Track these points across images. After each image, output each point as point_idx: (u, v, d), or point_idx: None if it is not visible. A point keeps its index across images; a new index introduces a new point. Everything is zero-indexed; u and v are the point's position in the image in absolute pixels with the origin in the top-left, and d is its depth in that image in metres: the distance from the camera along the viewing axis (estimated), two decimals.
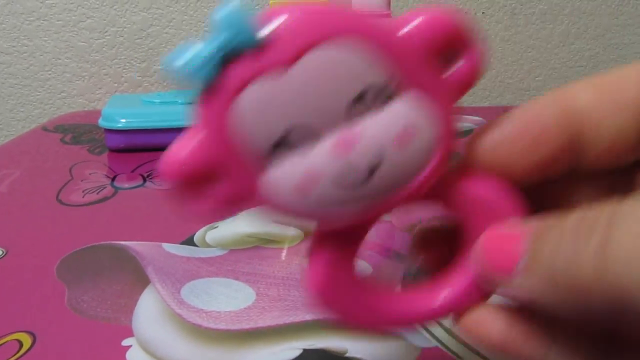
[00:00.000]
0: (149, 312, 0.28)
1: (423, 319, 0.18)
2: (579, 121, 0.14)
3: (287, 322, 0.28)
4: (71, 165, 0.51)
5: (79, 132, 0.62)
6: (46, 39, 0.72)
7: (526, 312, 0.15)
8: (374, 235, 0.37)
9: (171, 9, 0.72)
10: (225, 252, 0.35)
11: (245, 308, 0.29)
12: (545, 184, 0.16)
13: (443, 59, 0.14)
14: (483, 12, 0.77)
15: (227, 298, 0.30)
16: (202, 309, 0.29)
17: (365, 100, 0.14)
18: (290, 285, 0.31)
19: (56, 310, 0.29)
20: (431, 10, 0.14)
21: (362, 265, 0.33)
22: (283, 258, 0.35)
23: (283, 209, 0.15)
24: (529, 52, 0.80)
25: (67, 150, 0.55)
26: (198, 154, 0.14)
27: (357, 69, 0.13)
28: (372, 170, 0.14)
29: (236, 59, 0.13)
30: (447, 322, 0.27)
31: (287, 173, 0.14)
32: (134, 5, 0.72)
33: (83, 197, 0.43)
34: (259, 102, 0.13)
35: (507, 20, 0.78)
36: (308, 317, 0.28)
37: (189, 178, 0.14)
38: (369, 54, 0.13)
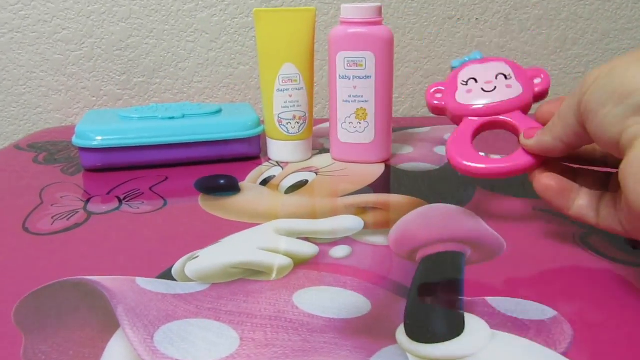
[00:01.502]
0: None
1: (509, 173, 0.36)
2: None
3: None
4: (42, 187, 0.47)
5: (53, 150, 0.58)
6: (20, 52, 0.68)
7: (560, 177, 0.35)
8: (370, 264, 0.33)
9: (151, 18, 0.69)
10: (206, 286, 0.31)
11: (227, 357, 0.25)
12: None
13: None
14: (477, 18, 0.75)
15: (207, 344, 0.26)
16: None
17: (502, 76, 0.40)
18: (279, 327, 0.27)
19: None
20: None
21: (358, 299, 0.30)
22: (274, 277, 0.32)
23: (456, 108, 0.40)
24: (525, 59, 0.77)
25: (39, 171, 0.51)
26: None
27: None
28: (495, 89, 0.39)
29: None
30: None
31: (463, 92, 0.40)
32: (112, 16, 0.68)
33: (52, 224, 0.40)
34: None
35: (502, 27, 0.75)
36: None
37: None
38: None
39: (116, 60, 0.70)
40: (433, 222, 0.39)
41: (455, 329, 0.27)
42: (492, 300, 0.29)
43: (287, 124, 0.52)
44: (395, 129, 0.64)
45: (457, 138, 0.37)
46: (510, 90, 0.38)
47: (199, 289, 0.31)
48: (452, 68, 0.42)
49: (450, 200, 0.43)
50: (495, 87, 0.38)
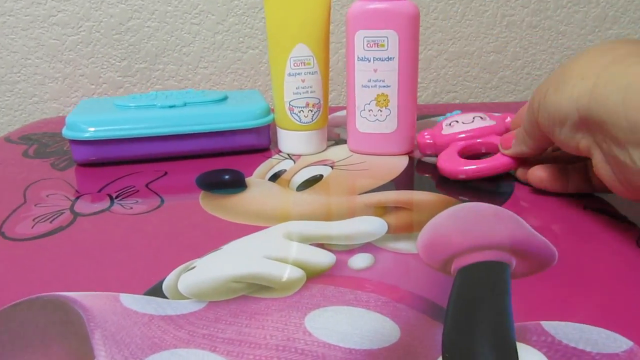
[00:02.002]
0: None
1: (493, 171, 0.41)
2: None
3: None
4: (27, 185, 0.42)
5: (45, 143, 0.53)
6: (13, 36, 0.64)
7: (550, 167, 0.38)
8: (396, 277, 0.28)
9: None
10: (202, 305, 0.26)
11: None
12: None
13: None
14: None
15: None
16: None
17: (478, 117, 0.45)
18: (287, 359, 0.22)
19: None
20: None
21: (385, 324, 0.24)
22: (284, 279, 0.27)
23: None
24: (560, 39, 0.70)
25: (27, 166, 0.47)
26: None
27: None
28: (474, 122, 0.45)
29: None
30: None
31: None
32: None
33: (32, 227, 0.35)
34: None
35: (535, 4, 0.69)
36: None
37: None
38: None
39: (116, 45, 0.65)
40: (468, 225, 0.34)
41: None
42: (548, 325, 0.24)
43: (299, 112, 0.47)
44: (418, 117, 0.58)
45: (445, 154, 0.43)
46: (486, 122, 0.44)
47: (194, 309, 0.26)
48: (437, 122, 0.48)
49: (485, 198, 0.37)
50: (474, 121, 0.45)
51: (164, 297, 0.27)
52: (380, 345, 0.23)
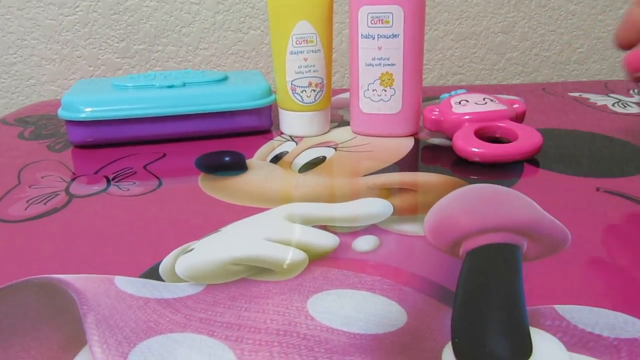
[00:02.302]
0: None
1: (511, 157, 0.39)
2: None
3: None
4: (22, 166, 0.41)
5: (42, 124, 0.52)
6: (9, 16, 0.62)
7: None
8: (402, 260, 0.27)
9: None
10: (200, 288, 0.25)
11: None
12: None
13: None
14: None
15: None
16: None
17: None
18: (289, 344, 0.21)
19: None
20: None
21: (391, 307, 0.23)
22: (285, 266, 0.26)
23: None
24: (570, 19, 0.68)
25: (23, 148, 0.46)
26: None
27: None
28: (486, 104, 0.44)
29: None
30: None
31: None
32: None
33: (26, 209, 0.34)
34: None
35: None
36: None
37: None
38: None
39: (114, 26, 0.63)
40: (476, 206, 0.32)
41: (520, 349, 0.20)
42: (563, 309, 0.23)
43: (302, 92, 0.45)
44: (424, 99, 0.57)
45: (462, 133, 0.41)
46: (498, 105, 0.43)
47: (191, 292, 0.25)
48: (441, 99, 0.46)
49: (494, 179, 0.36)
50: (486, 102, 0.43)
51: (161, 280, 0.26)
52: (386, 329, 0.22)
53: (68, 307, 0.24)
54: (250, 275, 0.26)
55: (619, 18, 0.69)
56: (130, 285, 0.25)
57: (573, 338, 0.21)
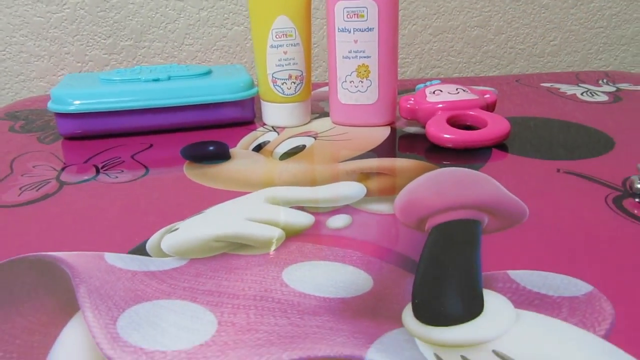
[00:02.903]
0: (69, 352, 0.21)
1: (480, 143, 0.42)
2: None
3: None
4: (14, 157, 0.43)
5: (31, 119, 0.54)
6: None
7: None
8: (372, 235, 0.29)
9: None
10: (183, 262, 0.27)
11: (201, 345, 0.21)
12: None
13: None
14: None
15: (178, 330, 0.22)
16: (141, 348, 0.21)
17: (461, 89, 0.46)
18: (265, 308, 0.23)
19: None
20: None
21: (359, 275, 0.25)
22: (271, 254, 0.28)
23: None
24: (542, 12, 0.71)
25: (13, 140, 0.47)
26: None
27: None
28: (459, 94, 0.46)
29: None
30: (477, 358, 0.20)
31: None
32: None
33: (19, 195, 0.36)
34: None
35: None
36: (286, 357, 0.20)
37: None
38: None
39: (101, 23, 0.65)
40: (444, 187, 0.35)
41: (472, 308, 0.23)
42: (514, 274, 0.25)
43: (283, 84, 0.47)
44: (402, 91, 0.59)
45: (434, 121, 0.43)
46: (470, 95, 0.45)
47: (175, 265, 0.27)
48: (416, 90, 0.48)
49: (463, 163, 0.39)
50: (458, 92, 0.46)
51: (148, 255, 0.28)
52: (353, 294, 0.24)
53: (61, 280, 0.26)
54: (230, 250, 0.28)
55: (590, 11, 0.72)
56: (119, 260, 0.27)
57: (521, 297, 0.23)
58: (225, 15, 0.67)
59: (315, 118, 0.51)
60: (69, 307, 0.24)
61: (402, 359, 0.20)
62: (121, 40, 0.66)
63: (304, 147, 0.44)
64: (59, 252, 0.28)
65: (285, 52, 0.47)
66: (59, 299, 0.24)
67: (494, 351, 0.20)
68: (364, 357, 0.20)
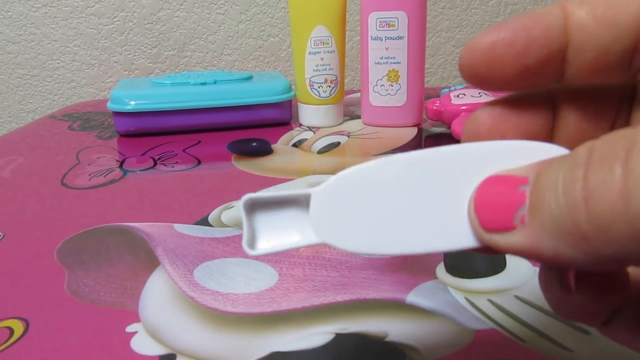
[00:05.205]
0: (157, 295, 0.25)
1: None
2: (568, 34, 0.14)
3: (316, 304, 0.24)
4: (78, 150, 0.48)
5: (87, 119, 0.59)
6: (54, 26, 0.69)
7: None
8: None
9: None
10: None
11: (266, 290, 0.25)
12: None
13: None
14: None
15: (245, 279, 0.26)
16: (217, 292, 0.25)
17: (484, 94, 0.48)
18: (317, 264, 0.27)
19: (53, 295, 0.25)
20: None
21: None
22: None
23: None
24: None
25: (75, 137, 0.52)
26: None
27: None
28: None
29: None
30: (501, 301, 0.24)
31: None
32: None
33: (89, 180, 0.40)
34: None
35: None
36: (340, 298, 0.24)
37: None
38: None
39: (147, 34, 0.70)
40: None
41: (496, 266, 0.26)
42: None
43: (319, 87, 0.52)
44: (426, 97, 0.63)
45: (459, 120, 0.46)
46: (492, 98, 0.49)
47: (236, 233, 0.31)
48: (442, 94, 0.52)
49: None
50: (481, 96, 0.49)
51: (210, 226, 0.32)
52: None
53: (139, 243, 0.30)
54: None
55: None
56: (186, 229, 0.32)
57: None
58: (262, 28, 0.72)
59: (347, 120, 0.55)
60: (149, 263, 0.28)
61: (438, 301, 0.24)
62: (165, 50, 0.71)
63: (338, 143, 0.48)
64: (133, 223, 0.33)
65: (322, 59, 0.51)
66: (142, 256, 0.29)
67: (515, 296, 0.24)
68: (405, 299, 0.24)
